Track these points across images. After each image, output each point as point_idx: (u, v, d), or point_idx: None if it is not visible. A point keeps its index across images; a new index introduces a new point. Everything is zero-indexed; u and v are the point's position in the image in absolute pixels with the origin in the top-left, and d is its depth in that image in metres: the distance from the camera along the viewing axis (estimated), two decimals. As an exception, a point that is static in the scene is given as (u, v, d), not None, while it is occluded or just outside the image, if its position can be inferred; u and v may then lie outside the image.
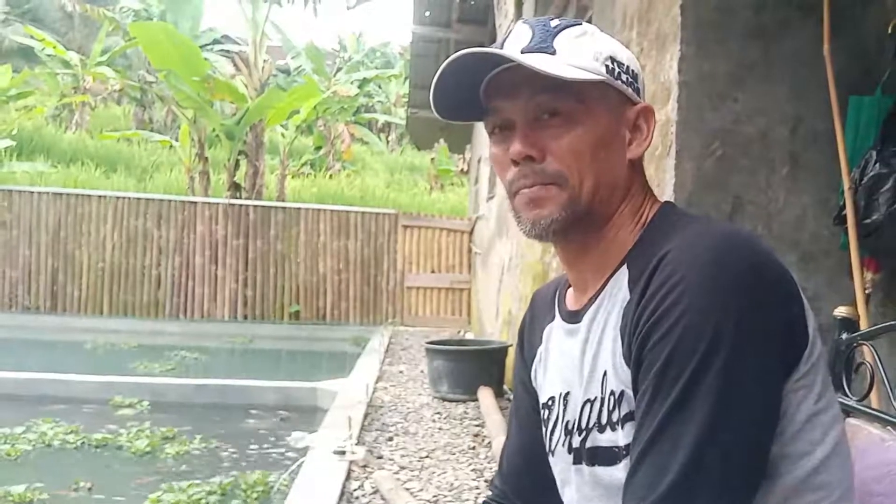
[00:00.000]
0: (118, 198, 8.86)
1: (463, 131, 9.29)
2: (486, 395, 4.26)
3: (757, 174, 2.01)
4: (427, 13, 6.66)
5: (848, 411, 0.99)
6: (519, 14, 4.26)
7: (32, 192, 8.72)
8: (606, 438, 0.73)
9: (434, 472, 3.02)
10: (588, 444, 0.76)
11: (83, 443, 3.78)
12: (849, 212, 1.82)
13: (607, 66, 0.76)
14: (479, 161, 8.20)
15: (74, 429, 3.89)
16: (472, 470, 3.08)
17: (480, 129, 8.07)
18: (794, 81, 2.00)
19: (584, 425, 0.76)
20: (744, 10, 1.98)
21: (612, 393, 0.73)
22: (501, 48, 0.77)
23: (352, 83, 12.08)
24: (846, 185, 1.84)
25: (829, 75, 1.88)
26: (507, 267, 5.34)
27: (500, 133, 0.78)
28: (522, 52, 0.75)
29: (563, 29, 0.76)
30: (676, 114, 1.97)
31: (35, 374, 4.93)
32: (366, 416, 3.90)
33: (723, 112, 1.98)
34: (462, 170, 14.19)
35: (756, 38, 1.99)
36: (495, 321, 5.94)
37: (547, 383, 0.86)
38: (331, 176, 14.11)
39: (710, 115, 1.98)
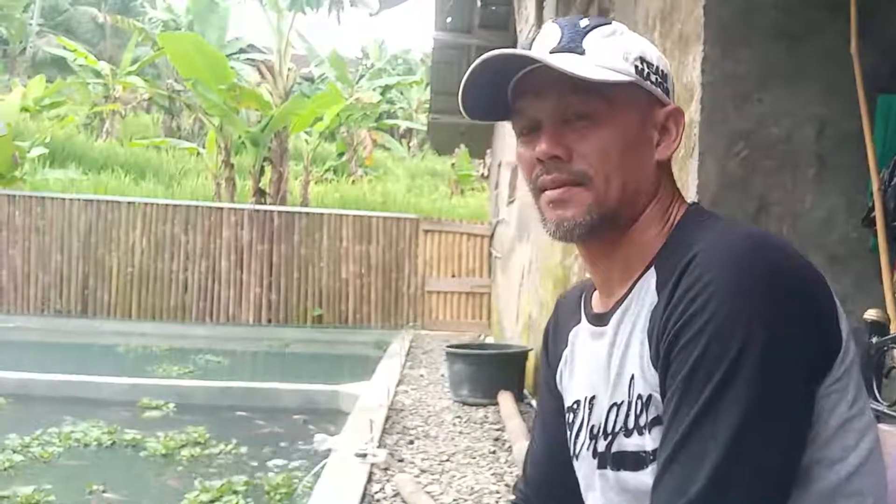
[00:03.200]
0: (147, 204, 9.03)
1: (483, 136, 9.29)
2: (506, 399, 4.25)
3: (782, 175, 1.98)
4: (448, 19, 6.69)
5: (878, 416, 0.96)
6: (540, 19, 4.26)
7: (64, 199, 8.93)
8: (633, 443, 0.72)
9: (455, 476, 3.02)
10: (614, 449, 0.74)
11: (113, 442, 3.84)
12: (878, 213, 1.79)
13: (636, 67, 0.75)
14: (499, 165, 8.19)
15: (112, 430, 3.94)
16: (493, 474, 3.07)
17: (501, 134, 8.10)
18: (820, 81, 1.97)
19: (610, 429, 0.75)
20: (768, 10, 1.96)
21: (640, 397, 0.71)
22: (530, 48, 0.77)
23: (374, 90, 12.17)
24: (875, 185, 1.80)
25: (857, 75, 1.85)
26: (528, 271, 5.33)
27: (528, 133, 0.78)
28: (551, 53, 0.74)
29: (593, 28, 0.76)
30: (699, 114, 1.95)
31: (66, 376, 5.03)
32: (387, 419, 3.91)
33: (747, 113, 1.96)
34: (482, 174, 14.19)
35: (781, 38, 1.96)
36: (515, 325, 5.92)
37: (572, 387, 0.85)
38: (353, 181, 14.21)
39: (734, 116, 1.96)
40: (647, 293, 0.73)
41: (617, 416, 0.74)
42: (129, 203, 9.01)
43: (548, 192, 0.76)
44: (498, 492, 2.82)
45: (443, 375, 5.34)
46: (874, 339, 1.23)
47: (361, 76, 14.70)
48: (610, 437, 0.75)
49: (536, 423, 0.95)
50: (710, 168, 1.95)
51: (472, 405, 4.47)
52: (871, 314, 1.22)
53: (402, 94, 17.59)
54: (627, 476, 0.73)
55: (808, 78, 1.97)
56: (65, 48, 12.96)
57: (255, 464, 3.65)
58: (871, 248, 1.90)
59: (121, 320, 8.67)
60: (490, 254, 8.85)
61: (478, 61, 0.75)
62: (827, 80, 1.96)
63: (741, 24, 1.95)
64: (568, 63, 0.71)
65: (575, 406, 0.83)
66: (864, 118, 1.85)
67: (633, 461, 0.72)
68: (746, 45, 1.95)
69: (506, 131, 7.25)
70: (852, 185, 1.97)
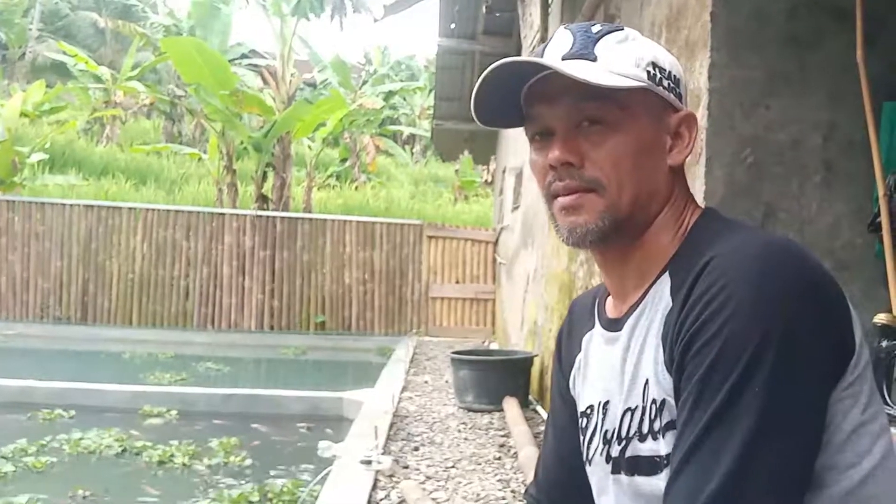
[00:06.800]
0: (148, 210, 9.01)
1: (487, 142, 9.31)
2: (511, 405, 4.24)
3: (789, 182, 1.99)
4: (453, 26, 6.71)
5: (890, 420, 0.97)
6: (545, 25, 4.27)
7: (64, 205, 8.90)
8: (647, 448, 0.72)
9: (460, 483, 3.01)
10: (628, 454, 0.75)
11: (124, 449, 3.82)
12: (883, 219, 1.79)
13: (649, 72, 0.75)
14: (503, 172, 8.20)
15: (121, 437, 3.93)
16: (499, 480, 3.06)
17: (505, 141, 8.10)
18: (827, 88, 1.98)
19: (624, 434, 0.75)
20: (776, 18, 1.97)
21: (654, 401, 0.71)
22: (543, 54, 0.76)
23: (377, 96, 12.19)
24: (881, 191, 1.81)
25: (863, 82, 1.86)
26: (533, 277, 5.33)
27: (541, 140, 0.78)
28: (563, 59, 0.74)
29: (605, 35, 0.76)
30: (706, 121, 1.96)
31: (68, 383, 5.01)
32: (391, 425, 3.90)
33: (754, 119, 1.97)
34: (486, 181, 14.23)
35: (789, 45, 1.97)
36: (520, 331, 5.92)
37: (585, 392, 0.85)
38: (356, 187, 14.24)
39: (741, 123, 1.97)
40: (661, 298, 0.73)
41: (631, 420, 0.74)
42: (129, 209, 8.99)
43: (560, 199, 0.76)
44: (504, 498, 2.82)
45: (447, 382, 5.33)
46: (884, 343, 1.23)
47: (364, 82, 14.73)
48: (624, 442, 0.75)
49: (548, 428, 0.95)
50: (717, 174, 1.96)
51: (477, 411, 4.46)
52: (880, 318, 1.23)
53: (405, 100, 17.65)
54: (641, 481, 0.73)
55: (814, 85, 1.98)
56: (65, 53, 12.98)
57: (259, 471, 3.64)
58: (876, 253, 1.90)
59: (121, 327, 8.64)
60: (494, 260, 8.85)
61: (490, 68, 0.75)
62: (834, 87, 1.97)
63: (748, 30, 1.96)
64: (580, 69, 0.72)
65: (588, 411, 0.83)
66: (870, 125, 1.86)
67: (648, 466, 0.72)
68: (754, 52, 1.96)
69: (510, 137, 7.26)
70: (858, 191, 1.97)
